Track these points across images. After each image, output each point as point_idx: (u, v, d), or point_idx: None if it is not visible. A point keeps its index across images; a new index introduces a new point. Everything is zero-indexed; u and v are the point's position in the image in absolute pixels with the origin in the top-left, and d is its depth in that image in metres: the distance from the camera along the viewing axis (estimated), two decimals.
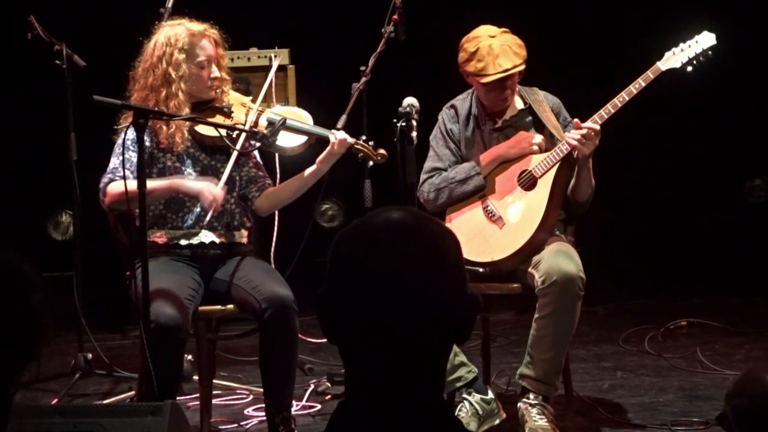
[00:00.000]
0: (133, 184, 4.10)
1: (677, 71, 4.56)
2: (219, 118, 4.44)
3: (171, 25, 4.48)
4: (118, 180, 4.29)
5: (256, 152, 4.56)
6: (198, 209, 4.44)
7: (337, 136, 4.41)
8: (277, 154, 4.80)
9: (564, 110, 4.74)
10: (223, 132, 4.34)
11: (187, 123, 4.42)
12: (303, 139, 4.48)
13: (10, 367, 1.82)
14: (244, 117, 4.46)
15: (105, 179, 4.36)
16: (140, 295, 3.97)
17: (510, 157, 4.63)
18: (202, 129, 4.45)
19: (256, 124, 4.44)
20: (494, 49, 4.52)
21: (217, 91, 4.49)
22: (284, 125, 4.38)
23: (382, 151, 4.48)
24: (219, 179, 4.39)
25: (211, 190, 4.31)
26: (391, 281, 1.68)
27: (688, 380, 5.28)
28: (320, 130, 4.48)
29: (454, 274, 1.73)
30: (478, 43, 4.55)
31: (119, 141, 4.34)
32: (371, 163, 4.50)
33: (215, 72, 4.46)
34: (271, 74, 4.84)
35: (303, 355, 5.47)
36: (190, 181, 4.37)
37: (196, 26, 4.46)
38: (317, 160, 4.45)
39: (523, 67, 4.56)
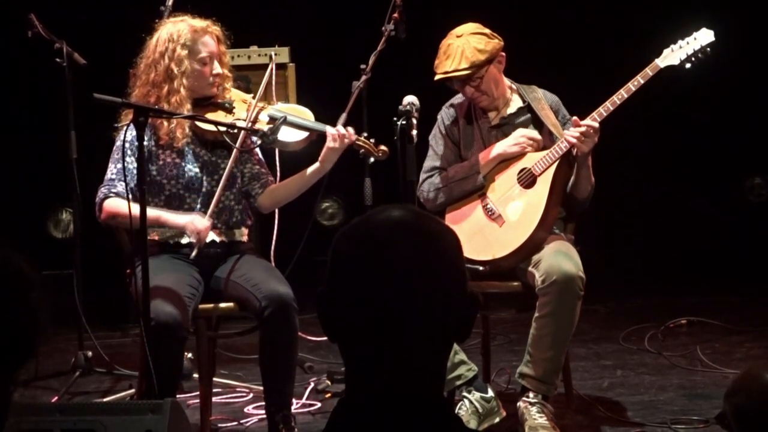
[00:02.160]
0: (130, 205, 4.03)
1: (676, 68, 4.56)
2: (220, 114, 4.45)
3: (173, 22, 4.49)
4: (113, 197, 4.30)
5: (257, 149, 4.56)
6: (198, 206, 4.45)
7: (335, 132, 4.40)
8: (277, 151, 4.81)
9: (563, 108, 4.74)
10: (224, 129, 4.34)
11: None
12: (304, 134, 4.48)
13: (8, 365, 1.82)
14: (246, 114, 4.47)
15: (101, 192, 4.35)
16: (140, 293, 3.98)
17: (509, 155, 4.63)
18: (204, 124, 4.45)
19: (256, 120, 4.44)
20: (450, 49, 4.55)
21: (219, 87, 4.50)
22: (285, 122, 4.38)
23: (383, 147, 4.47)
24: (215, 184, 4.39)
25: (196, 223, 4.31)
26: (391, 280, 1.68)
27: (688, 379, 5.28)
28: (322, 127, 4.47)
29: (455, 272, 1.73)
30: (446, 40, 4.60)
31: (117, 144, 4.34)
32: (372, 159, 4.49)
33: (217, 68, 4.46)
34: (269, 71, 4.82)
35: (303, 353, 5.47)
36: (175, 215, 4.36)
37: (199, 23, 4.46)
38: (319, 159, 4.45)
39: (465, 72, 4.53)
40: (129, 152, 4.32)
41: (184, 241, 4.41)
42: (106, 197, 4.34)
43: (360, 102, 4.84)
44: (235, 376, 5.42)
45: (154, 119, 4.38)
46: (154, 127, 4.42)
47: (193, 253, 4.34)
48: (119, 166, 4.28)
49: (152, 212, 4.28)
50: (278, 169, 4.92)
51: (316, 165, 4.46)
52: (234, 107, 4.47)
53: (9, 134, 7.52)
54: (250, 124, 4.41)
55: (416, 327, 1.69)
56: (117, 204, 4.29)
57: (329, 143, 4.40)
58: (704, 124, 7.78)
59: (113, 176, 4.35)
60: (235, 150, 4.42)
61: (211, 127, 4.43)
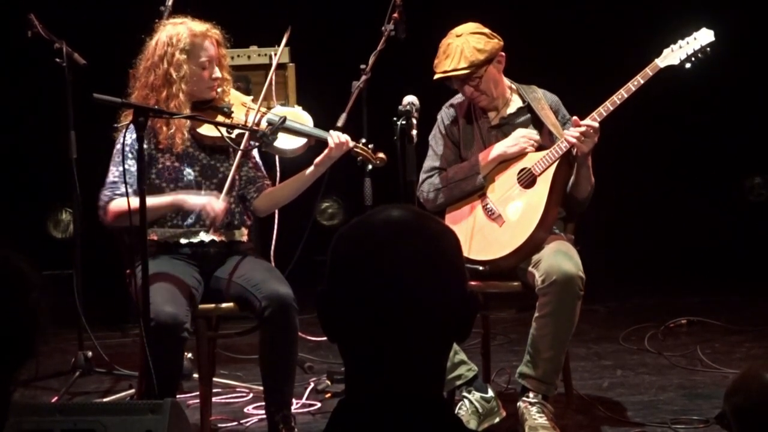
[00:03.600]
0: (134, 202, 4.01)
1: (676, 68, 4.56)
2: (219, 119, 4.44)
3: (173, 24, 4.47)
4: (118, 198, 4.29)
5: (255, 153, 4.55)
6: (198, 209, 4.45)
7: (336, 139, 4.40)
8: (276, 155, 4.80)
9: (563, 108, 4.74)
10: (224, 131, 4.34)
11: (188, 123, 4.42)
12: (302, 141, 4.48)
13: (8, 366, 1.82)
14: (244, 117, 4.46)
15: (105, 195, 4.34)
16: (140, 293, 3.97)
17: (509, 155, 4.63)
18: (202, 129, 4.45)
19: (256, 124, 4.44)
20: (450, 48, 4.56)
21: (218, 90, 4.49)
22: (284, 125, 4.38)
23: (381, 154, 4.47)
24: (220, 186, 4.39)
25: (213, 204, 4.33)
26: (391, 279, 1.68)
27: (688, 378, 5.28)
28: (320, 132, 4.47)
29: (454, 272, 1.73)
30: (446, 40, 4.61)
31: (118, 147, 4.34)
32: (370, 166, 4.49)
33: (216, 72, 4.45)
34: (271, 73, 4.83)
35: (303, 353, 5.47)
36: (192, 197, 4.38)
37: (198, 26, 4.45)
38: (314, 162, 4.45)
39: (465, 72, 4.54)
40: (129, 155, 4.32)
41: (184, 241, 4.42)
42: (111, 200, 4.33)
43: (360, 102, 4.84)
44: (235, 376, 5.42)
45: (154, 122, 4.38)
46: (154, 130, 4.42)
47: (210, 231, 4.39)
48: (120, 168, 4.27)
49: (166, 198, 4.33)
50: (278, 172, 4.92)
51: (311, 168, 4.46)
52: (233, 111, 4.46)
53: (9, 134, 7.52)
54: (251, 125, 4.40)
55: (416, 327, 1.69)
56: (122, 205, 4.28)
57: (328, 150, 4.40)
58: (704, 124, 7.78)
59: (115, 179, 4.34)
60: (239, 153, 4.42)
61: (210, 133, 4.43)
